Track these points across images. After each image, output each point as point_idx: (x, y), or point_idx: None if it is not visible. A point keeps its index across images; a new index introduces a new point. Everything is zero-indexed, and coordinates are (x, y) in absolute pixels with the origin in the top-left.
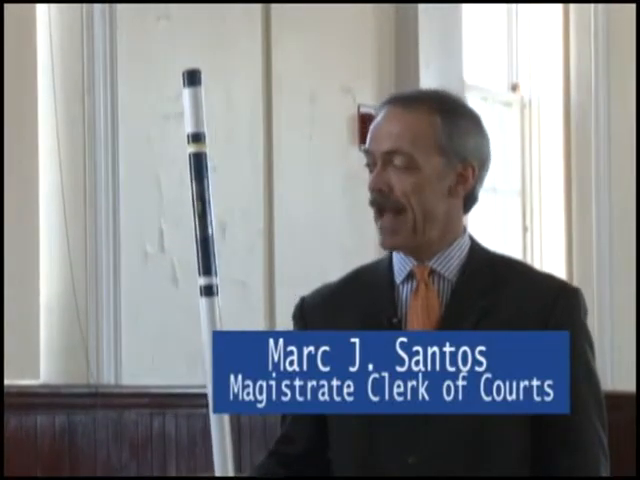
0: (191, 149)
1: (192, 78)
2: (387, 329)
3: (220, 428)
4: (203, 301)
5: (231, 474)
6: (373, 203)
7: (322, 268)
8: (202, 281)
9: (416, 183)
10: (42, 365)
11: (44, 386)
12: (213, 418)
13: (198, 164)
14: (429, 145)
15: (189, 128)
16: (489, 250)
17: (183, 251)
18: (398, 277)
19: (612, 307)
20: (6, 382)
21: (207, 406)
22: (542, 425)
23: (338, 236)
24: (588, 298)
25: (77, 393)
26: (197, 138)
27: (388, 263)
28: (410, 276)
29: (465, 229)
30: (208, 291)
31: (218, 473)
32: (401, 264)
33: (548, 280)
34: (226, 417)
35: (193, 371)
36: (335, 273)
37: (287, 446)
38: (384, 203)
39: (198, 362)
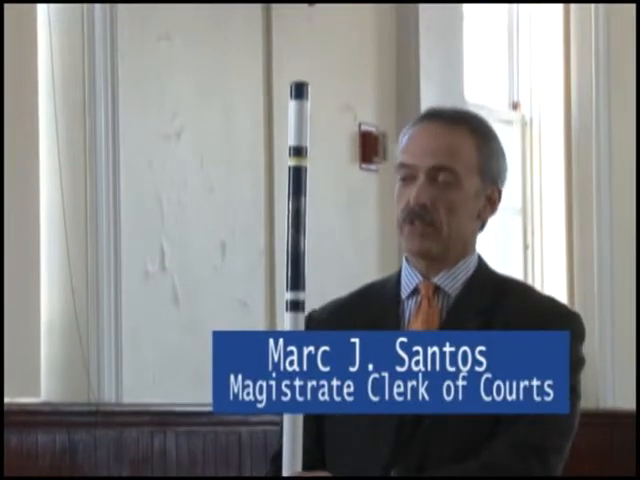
0: (292, 162)
1: (299, 90)
2: None
3: (293, 427)
4: (288, 316)
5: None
6: (410, 216)
7: (323, 287)
8: (289, 296)
9: (456, 202)
10: (43, 383)
11: (45, 404)
12: (286, 418)
13: (297, 178)
14: (471, 165)
15: (291, 141)
16: (495, 271)
17: (184, 270)
18: (404, 292)
19: (613, 325)
20: (7, 400)
21: (207, 424)
22: (504, 425)
23: (339, 255)
24: (589, 316)
25: (78, 411)
26: (298, 152)
27: (397, 279)
28: (415, 291)
29: (475, 250)
30: (294, 306)
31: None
32: (408, 279)
33: (546, 303)
34: (300, 417)
35: (194, 389)
36: (336, 292)
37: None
38: (422, 216)
39: (198, 380)
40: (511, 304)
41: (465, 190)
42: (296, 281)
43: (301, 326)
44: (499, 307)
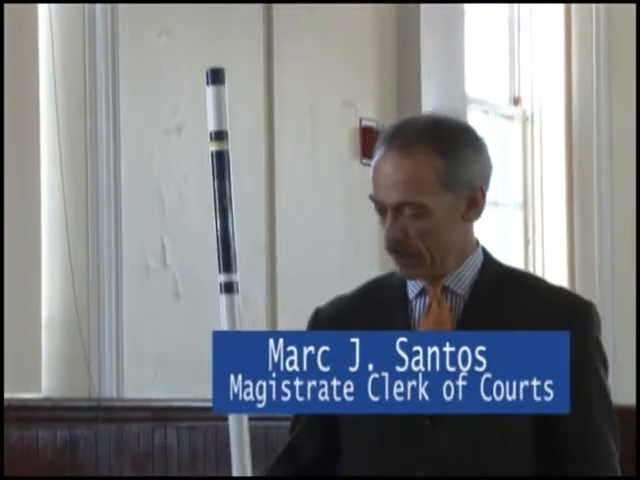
0: (213, 147)
1: (215, 76)
2: None
3: (239, 428)
4: (223, 298)
5: (249, 474)
6: (390, 250)
7: (324, 282)
8: (222, 278)
9: (430, 227)
10: (44, 379)
11: (46, 400)
12: (231, 418)
13: (220, 162)
14: (436, 188)
15: (212, 126)
16: (502, 264)
17: (185, 265)
18: (411, 292)
19: (614, 320)
20: (7, 395)
21: (208, 419)
22: (555, 443)
23: (340, 250)
24: None
25: (79, 407)
26: (220, 136)
27: (401, 277)
28: (423, 292)
29: (478, 243)
30: (228, 288)
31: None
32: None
33: (561, 295)
34: (245, 417)
35: (195, 384)
36: (337, 287)
37: (294, 454)
38: (402, 249)
39: (199, 375)
40: (525, 301)
41: (437, 214)
42: (228, 263)
43: (236, 307)
44: (512, 305)
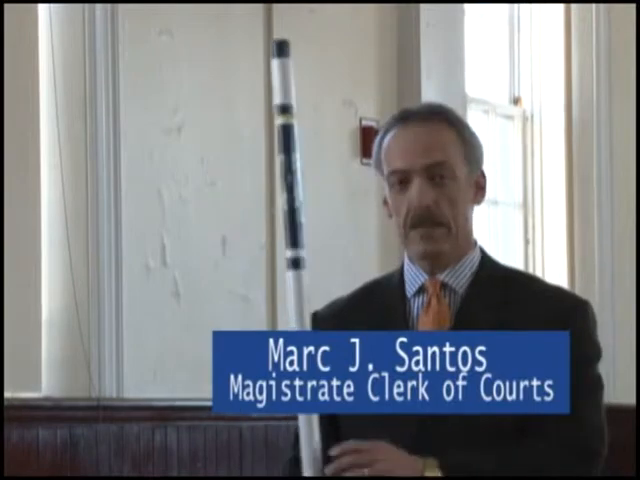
0: (279, 121)
1: (281, 49)
2: None
3: (309, 427)
4: (290, 274)
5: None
6: (415, 220)
7: (325, 282)
8: (289, 254)
9: (456, 195)
10: (44, 378)
11: (46, 399)
12: (301, 418)
13: (286, 136)
14: (459, 156)
15: (278, 99)
16: (499, 263)
17: (185, 265)
18: (409, 290)
19: (614, 319)
20: (8, 395)
21: (209, 419)
22: (544, 430)
23: (340, 250)
24: None
25: (79, 406)
26: (285, 109)
27: (399, 276)
28: (421, 289)
29: (476, 242)
30: (295, 264)
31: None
32: (413, 278)
33: (558, 295)
34: (315, 417)
35: (195, 384)
36: (338, 287)
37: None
38: (429, 218)
39: (199, 375)
40: (522, 300)
41: (460, 181)
42: (294, 239)
43: (304, 283)
44: (510, 303)
